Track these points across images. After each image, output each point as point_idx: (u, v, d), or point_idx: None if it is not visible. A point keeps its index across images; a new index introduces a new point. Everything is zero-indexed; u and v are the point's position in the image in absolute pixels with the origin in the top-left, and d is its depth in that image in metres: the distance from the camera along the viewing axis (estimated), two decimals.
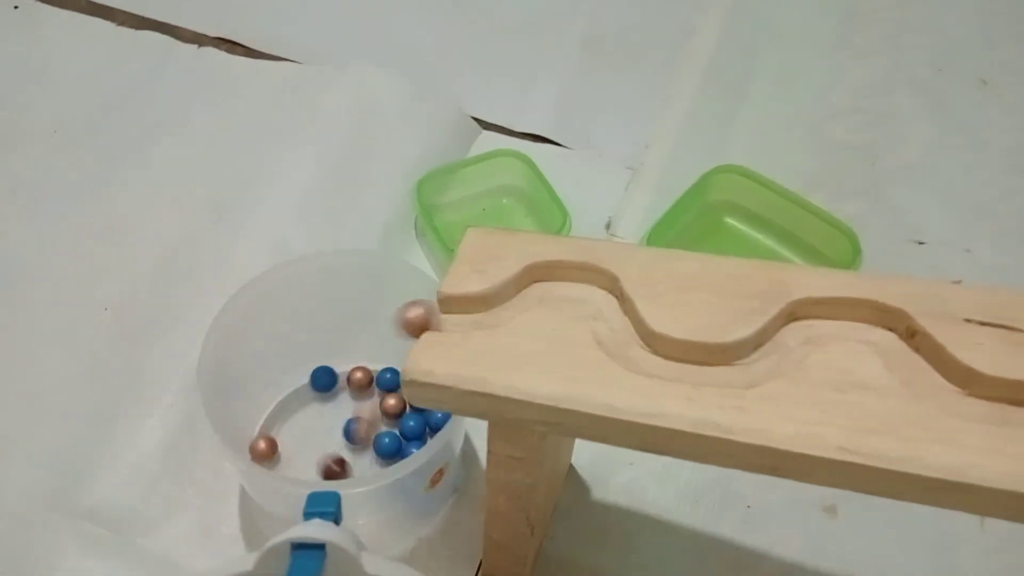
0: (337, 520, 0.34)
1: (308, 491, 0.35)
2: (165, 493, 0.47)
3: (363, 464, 0.49)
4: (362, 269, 0.49)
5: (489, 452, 0.37)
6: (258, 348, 0.48)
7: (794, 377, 0.32)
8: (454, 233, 0.56)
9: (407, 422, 0.49)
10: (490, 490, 0.39)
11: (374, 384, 0.52)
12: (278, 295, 0.47)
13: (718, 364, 0.33)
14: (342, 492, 0.35)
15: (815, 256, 0.57)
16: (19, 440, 0.49)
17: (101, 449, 0.49)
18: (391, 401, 0.50)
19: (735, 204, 0.59)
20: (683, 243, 0.57)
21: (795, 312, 0.34)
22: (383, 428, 0.50)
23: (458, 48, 0.72)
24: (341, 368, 0.52)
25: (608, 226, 0.60)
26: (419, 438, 0.49)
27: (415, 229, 0.60)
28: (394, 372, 0.51)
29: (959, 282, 0.34)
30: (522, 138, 0.65)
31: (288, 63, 0.69)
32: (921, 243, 0.60)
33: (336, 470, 0.47)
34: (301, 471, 0.48)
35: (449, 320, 0.36)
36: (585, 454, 0.49)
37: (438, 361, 0.34)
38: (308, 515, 0.34)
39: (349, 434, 0.49)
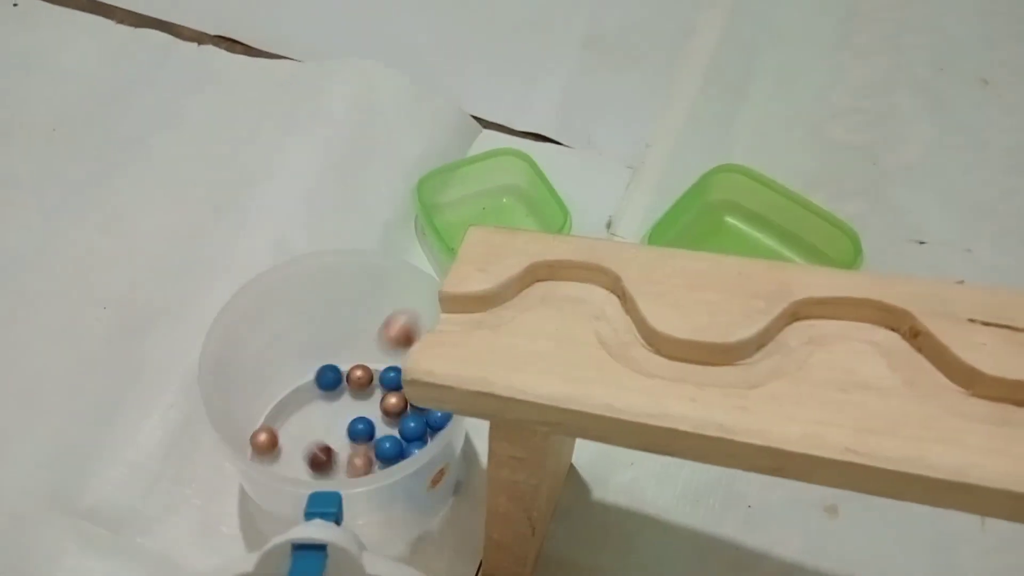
0: (338, 520, 0.34)
1: (307, 491, 0.35)
2: (165, 492, 0.47)
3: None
4: (362, 268, 0.49)
5: (490, 452, 0.37)
6: (259, 347, 0.48)
7: (797, 377, 0.32)
8: (454, 232, 0.56)
9: (407, 423, 0.49)
10: (491, 490, 0.39)
11: (374, 383, 0.52)
12: (278, 294, 0.47)
13: (721, 364, 0.33)
14: (343, 492, 0.35)
15: (816, 256, 0.57)
16: (18, 438, 0.49)
17: (101, 448, 0.48)
18: (392, 400, 0.50)
19: (736, 204, 0.59)
20: (684, 242, 0.57)
21: (798, 312, 0.33)
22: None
23: (458, 47, 0.72)
24: (341, 367, 0.52)
25: (608, 225, 0.60)
26: (420, 439, 0.49)
27: (415, 228, 0.60)
28: (397, 371, 0.51)
29: (962, 282, 0.34)
30: (523, 137, 0.65)
31: (288, 61, 0.69)
32: (921, 243, 0.60)
33: (322, 459, 0.47)
34: (301, 469, 0.48)
35: (450, 319, 0.35)
36: (585, 454, 0.49)
37: (439, 361, 0.34)
38: (309, 515, 0.34)
39: (353, 433, 0.49)
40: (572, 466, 0.49)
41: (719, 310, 0.33)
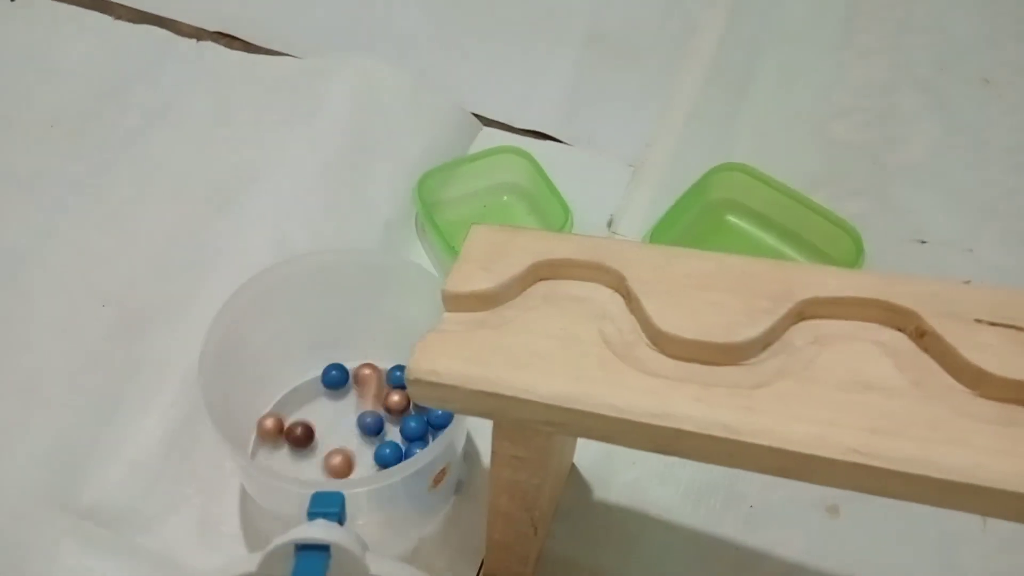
0: (341, 520, 0.34)
1: (309, 491, 0.35)
2: (165, 491, 0.47)
3: (365, 465, 0.49)
4: (363, 267, 0.49)
5: (493, 452, 0.37)
6: (259, 345, 0.47)
7: (803, 377, 0.32)
8: (455, 230, 0.56)
9: (408, 423, 0.49)
10: (493, 490, 0.39)
11: (382, 380, 0.51)
12: (279, 292, 0.47)
13: (726, 364, 0.32)
14: (345, 492, 0.35)
15: (818, 255, 0.57)
16: (18, 437, 0.49)
17: (100, 446, 0.48)
18: (395, 398, 0.50)
19: (737, 202, 0.59)
20: (685, 241, 0.57)
21: (804, 312, 0.33)
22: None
23: (459, 44, 0.71)
24: (346, 365, 0.52)
25: (610, 224, 0.60)
26: (421, 438, 0.49)
27: (415, 226, 0.60)
28: (404, 370, 0.51)
29: (968, 282, 0.33)
30: (524, 135, 0.65)
31: (288, 58, 0.69)
32: (923, 242, 0.60)
33: (298, 435, 0.48)
34: (303, 466, 0.48)
35: (453, 319, 0.35)
36: (587, 454, 0.49)
37: (443, 360, 0.33)
38: (312, 515, 0.34)
39: (363, 427, 0.49)
40: (574, 466, 0.49)
41: (724, 309, 0.33)
